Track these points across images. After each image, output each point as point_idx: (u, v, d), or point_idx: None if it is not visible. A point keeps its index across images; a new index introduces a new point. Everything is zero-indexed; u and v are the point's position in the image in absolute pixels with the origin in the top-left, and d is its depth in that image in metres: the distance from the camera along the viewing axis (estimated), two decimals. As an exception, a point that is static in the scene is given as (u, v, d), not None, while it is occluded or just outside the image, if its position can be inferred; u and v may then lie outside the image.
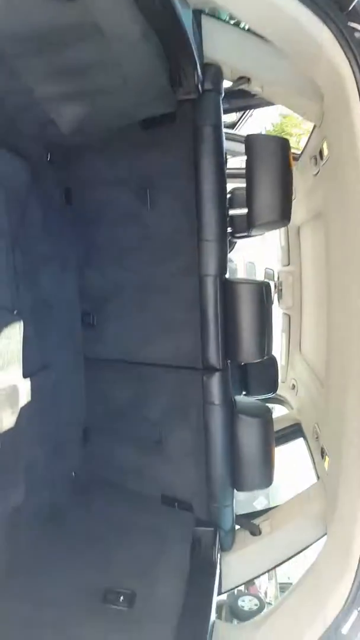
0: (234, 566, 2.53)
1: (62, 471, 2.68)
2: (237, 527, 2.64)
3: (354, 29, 1.76)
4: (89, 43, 1.80)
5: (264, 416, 2.49)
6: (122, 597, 2.00)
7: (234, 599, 4.45)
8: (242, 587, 5.39)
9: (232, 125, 4.11)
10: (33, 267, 2.44)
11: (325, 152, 2.58)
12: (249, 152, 2.32)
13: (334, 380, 2.58)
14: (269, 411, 2.55)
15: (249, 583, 5.39)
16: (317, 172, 2.86)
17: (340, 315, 2.37)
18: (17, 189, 2.30)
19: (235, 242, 3.92)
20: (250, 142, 2.33)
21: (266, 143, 2.35)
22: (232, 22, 2.45)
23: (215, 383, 2.43)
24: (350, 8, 1.73)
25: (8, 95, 2.08)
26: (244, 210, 2.42)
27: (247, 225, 2.42)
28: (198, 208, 2.36)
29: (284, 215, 2.33)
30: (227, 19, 2.45)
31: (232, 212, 2.65)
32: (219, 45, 2.34)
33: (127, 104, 2.31)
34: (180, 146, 2.41)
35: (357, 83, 1.79)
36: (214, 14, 2.38)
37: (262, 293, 2.40)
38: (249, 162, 2.33)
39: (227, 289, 2.42)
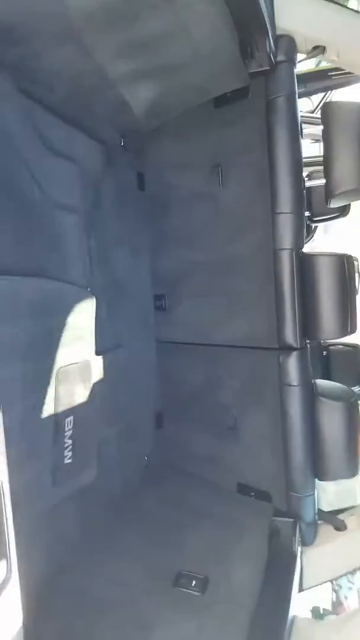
0: (316, 563, 2.35)
1: (134, 454, 2.65)
2: (319, 522, 2.47)
3: None
4: (159, 12, 1.82)
5: (348, 399, 2.32)
6: (194, 582, 1.92)
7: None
8: (329, 607, 5.08)
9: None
10: (106, 248, 2.47)
11: None
12: (325, 119, 2.23)
13: None
14: (353, 394, 2.37)
15: (337, 604, 5.09)
16: None
17: None
18: (92, 170, 2.36)
19: (315, 228, 3.79)
20: (327, 109, 2.24)
21: (343, 109, 2.24)
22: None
23: (292, 363, 2.31)
24: None
25: (83, 77, 2.14)
26: (322, 181, 2.32)
27: (325, 196, 2.31)
28: (272, 180, 2.29)
29: (364, 183, 2.20)
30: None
31: (309, 183, 2.54)
32: (291, 15, 2.28)
33: (198, 79, 2.31)
34: (254, 120, 2.37)
35: None
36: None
37: (343, 265, 2.26)
38: (325, 130, 2.24)
39: (304, 263, 2.31)
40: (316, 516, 2.41)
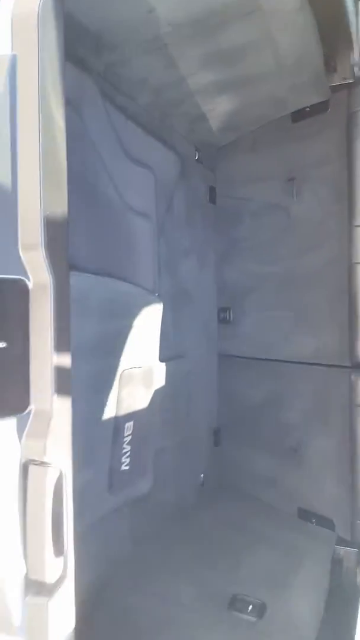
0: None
1: (190, 469, 2.58)
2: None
3: None
4: (245, 22, 1.83)
5: None
6: (251, 606, 1.82)
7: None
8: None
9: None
10: (175, 256, 2.47)
11: None
12: None
13: None
14: None
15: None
16: None
17: None
18: (166, 179, 2.38)
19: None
20: None
21: None
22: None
23: None
24: None
25: (165, 88, 2.19)
26: None
27: None
28: (351, 193, 2.24)
29: None
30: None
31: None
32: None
33: (279, 91, 2.31)
34: (332, 134, 2.34)
35: None
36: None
37: None
38: None
39: None
40: (382, 548, 2.26)
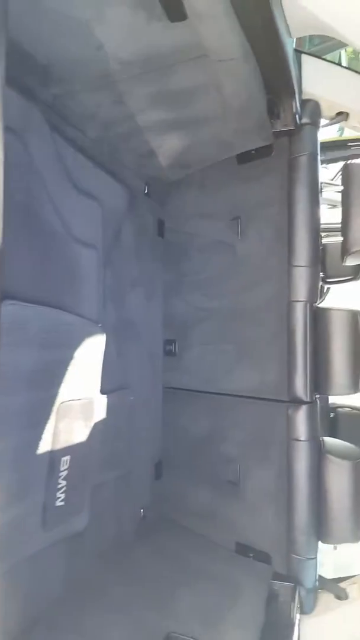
0: (316, 634, 2.20)
1: (130, 504, 2.53)
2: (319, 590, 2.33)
3: None
4: (193, 66, 1.91)
5: (356, 459, 2.25)
6: None
7: None
8: None
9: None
10: (121, 288, 2.48)
11: None
12: (345, 178, 2.30)
13: None
14: (361, 454, 2.30)
15: None
16: None
17: None
18: (114, 212, 2.41)
19: (327, 290, 3.81)
20: (348, 169, 2.31)
21: (363, 170, 2.32)
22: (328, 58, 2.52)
23: (301, 417, 2.26)
24: None
25: (115, 123, 2.23)
26: (339, 239, 2.36)
27: (342, 253, 2.34)
28: (290, 234, 2.34)
29: (381, 242, 2.23)
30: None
31: (325, 240, 2.59)
32: (318, 82, 2.40)
33: (225, 134, 2.40)
34: (275, 177, 2.45)
35: None
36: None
37: (355, 320, 2.26)
38: (345, 190, 2.30)
39: (318, 317, 2.31)
40: (317, 582, 2.28)
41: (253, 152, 2.54)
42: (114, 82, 1.98)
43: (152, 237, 2.81)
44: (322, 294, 3.97)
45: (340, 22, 1.74)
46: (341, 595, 2.26)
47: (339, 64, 2.54)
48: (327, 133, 3.52)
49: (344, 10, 1.65)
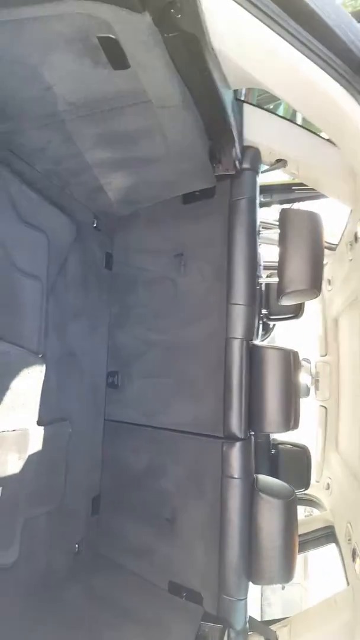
0: None
1: (64, 540, 2.45)
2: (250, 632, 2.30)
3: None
4: (137, 111, 1.99)
5: (287, 498, 2.27)
6: None
7: None
8: None
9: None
10: (65, 319, 2.48)
11: (359, 234, 2.63)
12: (282, 223, 2.40)
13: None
14: (292, 493, 2.32)
15: None
16: (352, 258, 2.88)
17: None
18: (60, 243, 2.42)
19: (273, 327, 3.91)
20: (284, 214, 2.42)
21: (299, 216, 2.42)
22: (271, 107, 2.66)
23: (235, 454, 2.27)
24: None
25: (62, 159, 2.28)
26: (275, 280, 2.44)
27: (277, 295, 2.42)
28: (229, 273, 2.41)
29: (313, 285, 2.32)
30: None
31: (263, 280, 2.67)
32: (258, 130, 2.53)
33: (169, 175, 2.48)
34: (217, 218, 2.53)
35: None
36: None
37: (290, 360, 2.32)
38: (282, 234, 2.40)
39: (254, 354, 2.36)
40: (247, 624, 2.25)
41: (197, 193, 2.63)
42: (62, 121, 2.04)
43: (99, 269, 2.83)
44: (268, 331, 4.07)
45: (264, 77, 1.86)
46: (271, 638, 2.24)
47: (277, 114, 2.68)
48: (275, 177, 3.70)
49: (265, 66, 1.76)
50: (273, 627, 2.32)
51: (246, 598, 2.23)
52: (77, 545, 2.55)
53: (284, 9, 1.50)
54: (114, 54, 1.66)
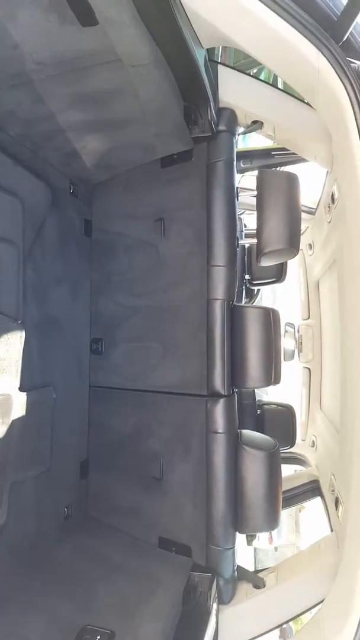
0: (233, 622, 2.26)
1: (53, 502, 2.51)
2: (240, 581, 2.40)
3: (350, 60, 1.89)
4: (107, 70, 1.98)
5: (270, 449, 2.35)
6: (99, 637, 1.81)
7: None
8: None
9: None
10: (44, 285, 2.49)
11: (337, 194, 2.66)
12: (259, 184, 2.42)
13: (347, 425, 2.45)
14: (275, 445, 2.40)
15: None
16: (330, 220, 2.92)
17: (352, 359, 2.30)
18: (36, 208, 2.41)
19: (258, 292, 3.96)
20: (260, 176, 2.44)
21: (275, 177, 2.46)
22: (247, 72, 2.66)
23: (219, 410, 2.34)
24: (343, 40, 1.88)
25: (35, 121, 2.26)
26: (254, 241, 2.48)
27: (256, 254, 2.46)
28: (209, 235, 2.44)
29: (291, 244, 2.36)
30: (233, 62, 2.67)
31: (242, 242, 2.70)
32: (233, 92, 2.53)
33: (146, 138, 2.48)
34: (195, 181, 2.55)
35: (354, 109, 1.89)
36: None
37: (269, 317, 2.38)
38: (259, 195, 2.43)
39: (235, 314, 2.41)
40: (235, 573, 2.35)
41: (175, 156, 2.63)
42: (31, 81, 2.01)
43: (78, 236, 2.83)
44: (252, 296, 4.13)
45: (236, 35, 1.87)
46: (259, 584, 2.34)
47: (253, 76, 2.68)
48: (257, 142, 3.72)
49: (236, 24, 1.77)
50: (260, 575, 2.42)
51: (234, 547, 2.33)
52: (66, 509, 2.61)
53: None
54: (81, 10, 1.65)
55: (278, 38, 1.76)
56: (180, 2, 1.70)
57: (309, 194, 3.55)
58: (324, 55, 1.84)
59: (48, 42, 1.82)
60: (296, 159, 3.37)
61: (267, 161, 3.57)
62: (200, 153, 2.54)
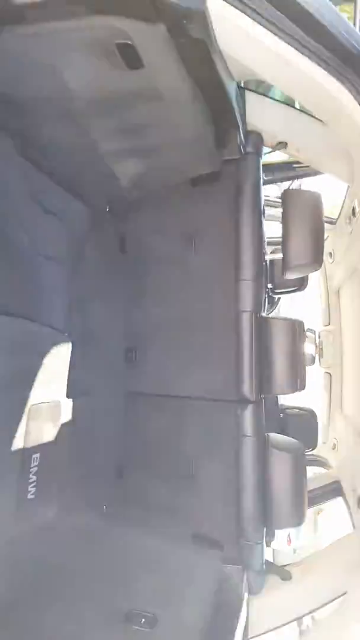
0: (262, 612, 2.43)
1: (94, 500, 2.72)
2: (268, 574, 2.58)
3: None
4: (149, 106, 2.15)
5: (296, 452, 2.52)
6: (143, 619, 2.01)
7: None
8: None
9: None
10: (85, 299, 2.70)
11: (358, 209, 2.82)
12: (284, 203, 2.59)
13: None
14: (300, 447, 2.57)
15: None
16: (351, 231, 3.07)
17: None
18: (78, 230, 2.63)
19: (278, 300, 4.12)
20: (286, 195, 2.61)
21: (300, 195, 2.62)
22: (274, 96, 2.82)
23: (248, 415, 2.52)
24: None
25: (77, 150, 2.45)
26: (279, 256, 2.65)
27: (282, 269, 2.62)
28: (237, 251, 2.61)
29: (315, 259, 2.52)
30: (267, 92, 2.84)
31: (268, 257, 2.87)
32: (259, 115, 2.69)
33: (178, 162, 2.66)
34: (224, 200, 2.72)
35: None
36: (257, 89, 2.77)
37: (295, 328, 2.54)
38: (285, 213, 2.58)
39: (262, 325, 2.58)
40: (264, 565, 2.52)
41: (204, 176, 2.80)
42: (79, 116, 2.20)
43: (114, 252, 3.03)
44: (274, 304, 4.29)
45: (265, 72, 2.04)
46: (285, 577, 2.51)
47: (277, 100, 2.84)
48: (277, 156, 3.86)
49: (265, 64, 1.94)
50: (287, 568, 2.59)
51: (263, 542, 2.51)
52: (105, 506, 2.82)
53: (282, 11, 1.68)
54: (130, 57, 1.82)
55: (304, 76, 1.91)
56: (218, 47, 1.87)
57: (328, 200, 3.68)
58: (345, 87, 1.99)
59: (97, 82, 2.00)
60: (315, 172, 3.51)
61: (288, 173, 3.73)
62: (229, 174, 2.72)
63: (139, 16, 1.57)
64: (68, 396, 2.46)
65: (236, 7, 1.65)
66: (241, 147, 2.61)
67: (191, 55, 1.85)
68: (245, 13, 1.65)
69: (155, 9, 1.54)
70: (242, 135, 2.58)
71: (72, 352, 2.50)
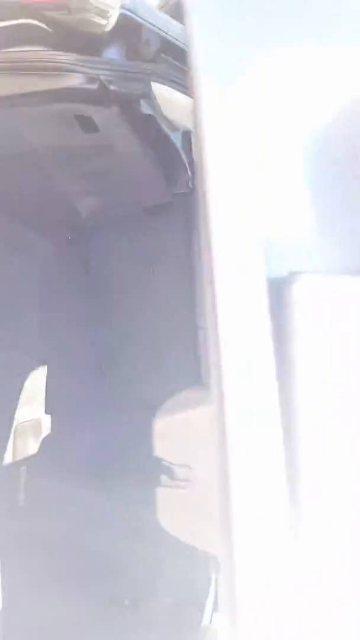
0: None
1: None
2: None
3: None
4: (105, 158, 2.49)
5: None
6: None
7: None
8: None
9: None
10: (55, 322, 2.99)
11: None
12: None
13: None
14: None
15: None
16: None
17: None
18: (41, 259, 2.92)
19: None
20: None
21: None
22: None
23: None
24: None
25: (41, 193, 2.75)
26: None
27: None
28: (190, 275, 2.94)
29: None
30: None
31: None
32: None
33: (134, 196, 2.98)
34: (176, 227, 3.04)
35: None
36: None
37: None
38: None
39: None
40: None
41: (158, 206, 3.12)
42: (46, 166, 2.52)
43: (78, 276, 3.30)
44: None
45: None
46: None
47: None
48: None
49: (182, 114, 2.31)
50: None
51: None
52: None
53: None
54: (86, 124, 2.15)
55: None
56: (164, 115, 2.21)
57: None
58: None
59: (58, 142, 2.31)
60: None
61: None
62: (180, 204, 3.04)
63: (95, 103, 1.89)
64: (46, 412, 2.75)
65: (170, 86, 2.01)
66: (189, 182, 2.94)
67: (141, 124, 2.17)
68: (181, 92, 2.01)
69: (109, 98, 1.86)
70: (189, 172, 2.91)
71: (47, 372, 2.79)
